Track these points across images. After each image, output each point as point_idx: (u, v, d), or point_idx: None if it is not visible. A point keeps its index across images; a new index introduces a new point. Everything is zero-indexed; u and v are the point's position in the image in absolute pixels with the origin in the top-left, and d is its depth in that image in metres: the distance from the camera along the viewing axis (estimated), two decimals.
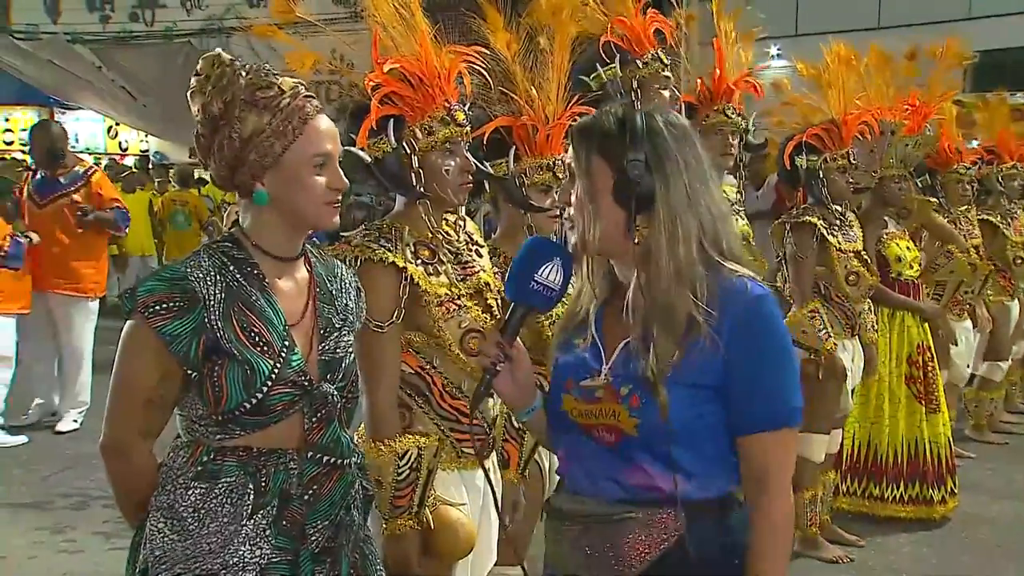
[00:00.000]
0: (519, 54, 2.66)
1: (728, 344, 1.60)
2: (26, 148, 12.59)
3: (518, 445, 2.67)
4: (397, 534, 2.24)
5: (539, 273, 1.72)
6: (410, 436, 2.26)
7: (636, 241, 1.65)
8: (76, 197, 6.34)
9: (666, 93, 3.41)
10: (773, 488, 1.64)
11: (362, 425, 2.31)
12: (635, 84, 3.37)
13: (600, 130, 1.68)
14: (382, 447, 2.23)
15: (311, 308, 1.85)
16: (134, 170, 12.86)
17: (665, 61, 3.44)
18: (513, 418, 2.34)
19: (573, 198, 1.73)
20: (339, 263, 2.01)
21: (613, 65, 3.36)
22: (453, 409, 2.29)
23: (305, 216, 1.80)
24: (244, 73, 1.76)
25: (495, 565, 2.54)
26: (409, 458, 2.23)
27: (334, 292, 1.90)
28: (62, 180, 6.38)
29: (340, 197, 1.81)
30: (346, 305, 1.92)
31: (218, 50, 1.83)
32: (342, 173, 1.81)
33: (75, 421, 6.40)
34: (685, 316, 1.61)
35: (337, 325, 1.87)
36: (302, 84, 1.81)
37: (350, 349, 1.89)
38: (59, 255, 6.29)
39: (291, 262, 1.85)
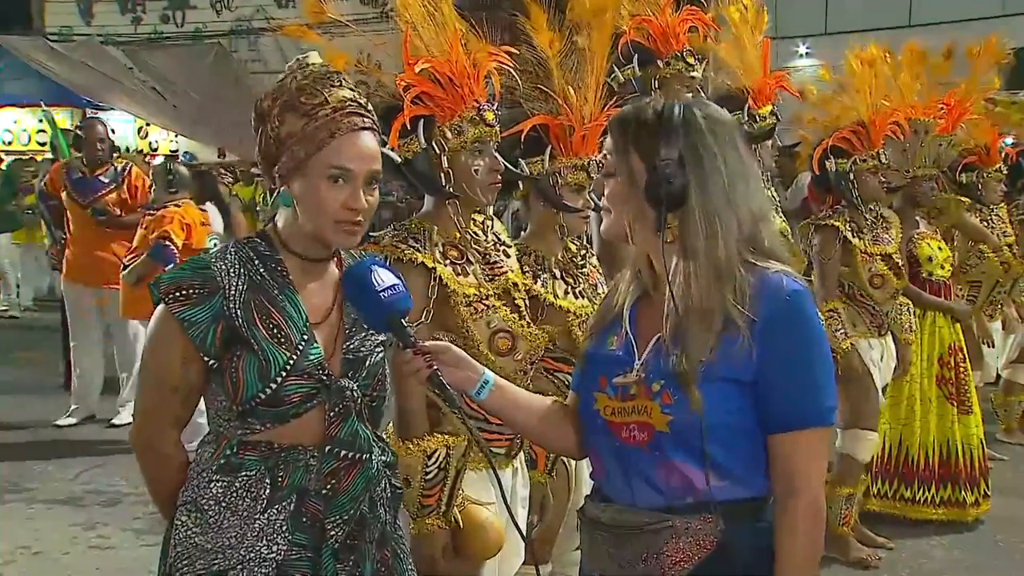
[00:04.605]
0: (559, 54, 2.65)
1: (761, 339, 1.57)
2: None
3: None
4: (425, 533, 2.25)
5: (376, 285, 1.71)
6: (438, 436, 2.27)
7: (669, 240, 1.63)
8: (112, 196, 6.36)
9: (689, 95, 3.31)
10: (801, 490, 1.60)
11: (391, 424, 2.32)
12: (655, 84, 3.32)
13: (637, 122, 1.66)
14: (410, 447, 2.24)
15: (337, 308, 1.85)
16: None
17: (689, 62, 3.37)
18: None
19: (607, 189, 1.71)
20: None
21: (631, 65, 3.32)
22: (481, 409, 2.29)
23: (314, 228, 1.78)
24: (299, 77, 1.77)
25: (522, 565, 2.54)
26: (437, 458, 2.24)
27: None
28: (103, 179, 6.40)
29: (359, 219, 1.76)
30: None
31: (310, 54, 1.84)
32: (363, 196, 1.76)
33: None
34: (722, 314, 1.58)
35: (364, 325, 1.87)
36: (356, 101, 1.78)
37: (377, 348, 1.88)
38: (112, 252, 6.25)
39: (319, 262, 1.85)
